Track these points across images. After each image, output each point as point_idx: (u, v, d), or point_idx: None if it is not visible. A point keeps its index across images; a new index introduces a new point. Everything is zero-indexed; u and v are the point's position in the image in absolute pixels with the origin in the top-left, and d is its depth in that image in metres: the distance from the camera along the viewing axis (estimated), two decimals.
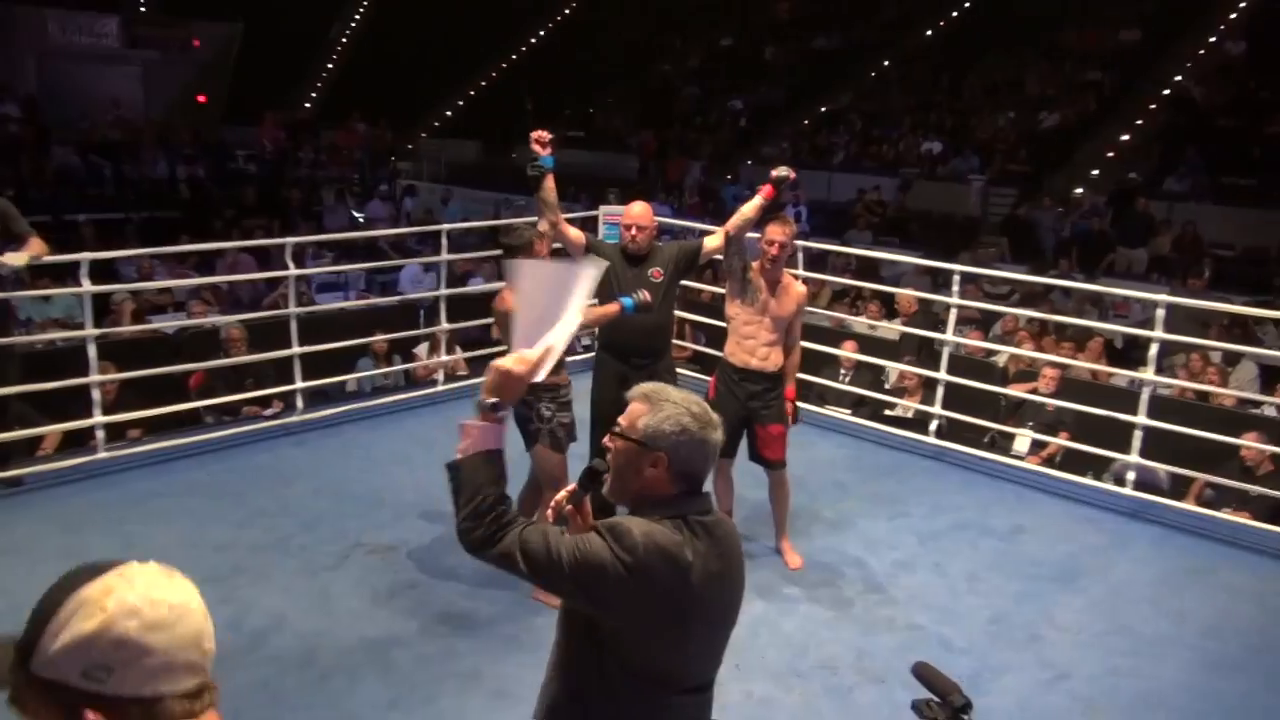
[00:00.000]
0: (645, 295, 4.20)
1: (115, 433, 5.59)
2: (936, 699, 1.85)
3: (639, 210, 4.52)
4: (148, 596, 1.10)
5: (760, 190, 4.35)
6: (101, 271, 7.93)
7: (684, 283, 7.36)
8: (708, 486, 1.97)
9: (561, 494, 2.05)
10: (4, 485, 4.88)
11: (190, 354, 6.38)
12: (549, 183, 4.26)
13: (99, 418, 5.14)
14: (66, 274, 5.61)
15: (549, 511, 2.06)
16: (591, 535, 1.82)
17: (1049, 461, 6.13)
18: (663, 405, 1.90)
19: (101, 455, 5.17)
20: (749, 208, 4.36)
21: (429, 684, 3.55)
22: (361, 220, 13.63)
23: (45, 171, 13.96)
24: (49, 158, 14.32)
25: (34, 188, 13.31)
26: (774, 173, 4.35)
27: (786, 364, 4.51)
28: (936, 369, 6.16)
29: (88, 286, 5.11)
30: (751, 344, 4.40)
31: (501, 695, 3.49)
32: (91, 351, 5.11)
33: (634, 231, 4.42)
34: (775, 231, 4.31)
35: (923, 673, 1.91)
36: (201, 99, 20.96)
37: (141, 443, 5.48)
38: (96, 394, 5.14)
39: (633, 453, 1.89)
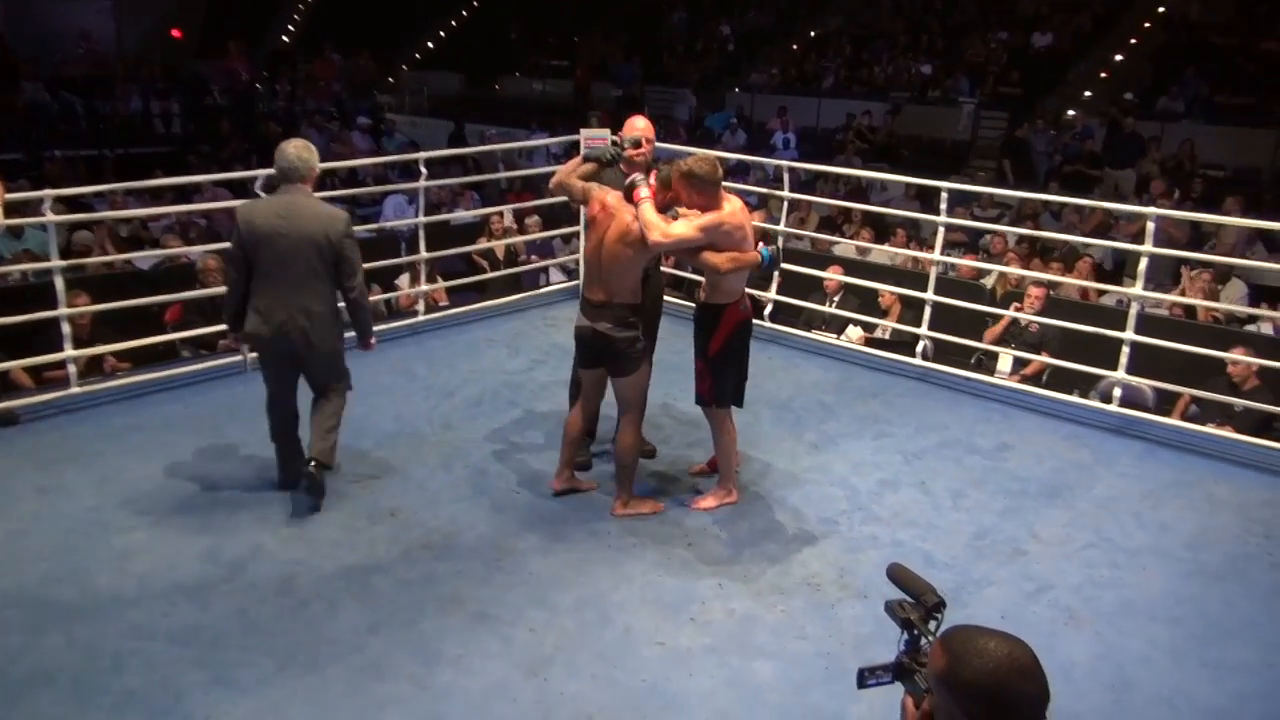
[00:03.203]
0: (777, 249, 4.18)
1: (91, 370, 5.52)
2: (910, 599, 1.82)
3: (645, 123, 4.46)
4: None
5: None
6: (74, 208, 7.79)
7: None
8: None
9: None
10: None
11: (166, 288, 6.26)
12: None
13: (71, 351, 5.05)
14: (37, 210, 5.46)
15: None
16: None
17: (1035, 380, 6.09)
18: None
19: (75, 390, 5.10)
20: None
21: (409, 608, 3.53)
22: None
23: (15, 108, 13.65)
24: (18, 93, 13.97)
25: (3, 124, 13.02)
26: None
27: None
28: (923, 291, 6.09)
29: (51, 217, 4.97)
30: None
31: (482, 617, 3.48)
32: (59, 284, 5.00)
33: (644, 145, 4.37)
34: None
35: (897, 574, 1.88)
36: (175, 33, 20.46)
37: (116, 377, 5.40)
38: (67, 327, 5.04)
39: None
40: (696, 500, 4.33)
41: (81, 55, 17.22)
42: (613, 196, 4.02)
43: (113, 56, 17.80)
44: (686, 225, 3.93)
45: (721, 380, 4.18)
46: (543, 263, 8.21)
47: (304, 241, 3.93)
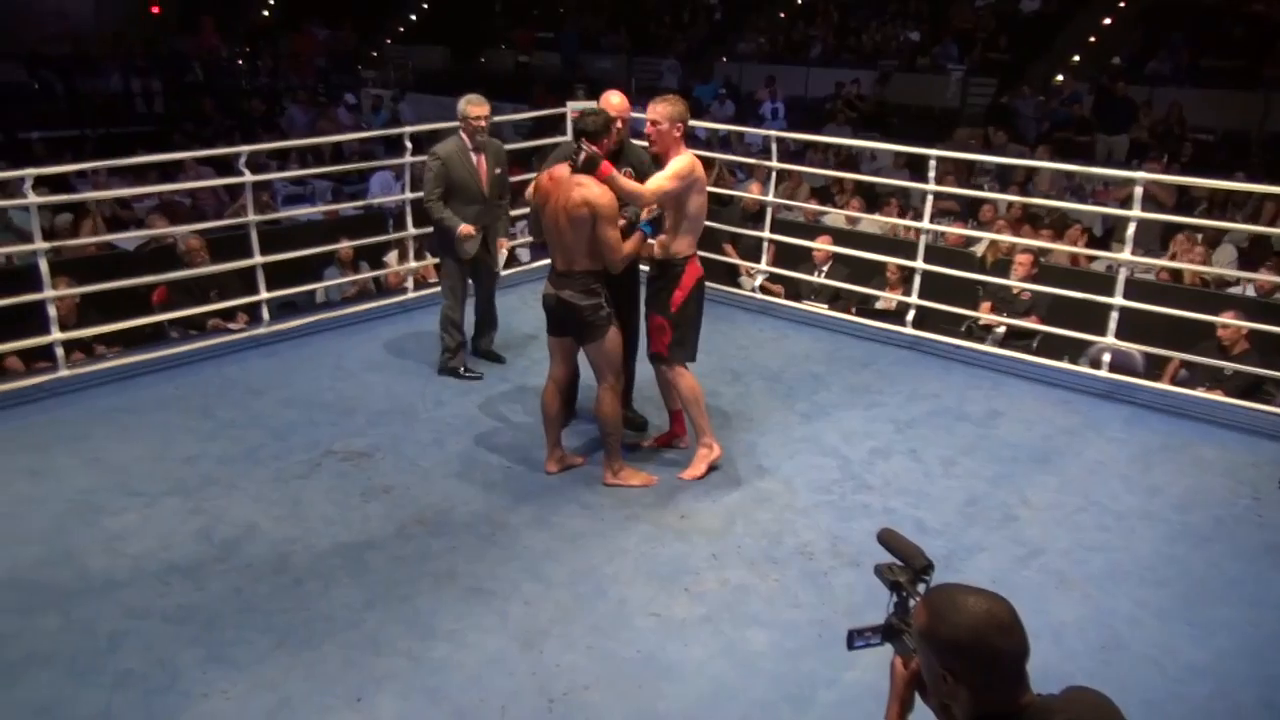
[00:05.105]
0: (644, 214, 4.14)
1: (78, 351, 5.49)
2: (899, 562, 1.83)
3: (620, 99, 4.33)
4: None
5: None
6: (56, 189, 7.70)
7: None
8: None
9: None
10: None
11: (151, 269, 6.21)
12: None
13: (57, 334, 5.01)
14: (17, 192, 5.40)
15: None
16: None
17: (1024, 345, 6.10)
18: None
19: (63, 373, 5.07)
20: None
21: (404, 584, 3.54)
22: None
23: None
24: None
25: None
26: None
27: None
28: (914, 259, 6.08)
29: (33, 198, 4.92)
30: None
31: (477, 592, 3.50)
32: (43, 266, 4.95)
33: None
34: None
35: (887, 538, 1.89)
36: (155, 9, 20.16)
37: (104, 359, 5.37)
38: (53, 310, 5.00)
39: None
40: (685, 470, 4.35)
41: (59, 34, 16.96)
42: (559, 169, 4.02)
43: (91, 34, 17.53)
44: (660, 179, 4.02)
45: (681, 336, 4.23)
46: (531, 239, 8.16)
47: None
